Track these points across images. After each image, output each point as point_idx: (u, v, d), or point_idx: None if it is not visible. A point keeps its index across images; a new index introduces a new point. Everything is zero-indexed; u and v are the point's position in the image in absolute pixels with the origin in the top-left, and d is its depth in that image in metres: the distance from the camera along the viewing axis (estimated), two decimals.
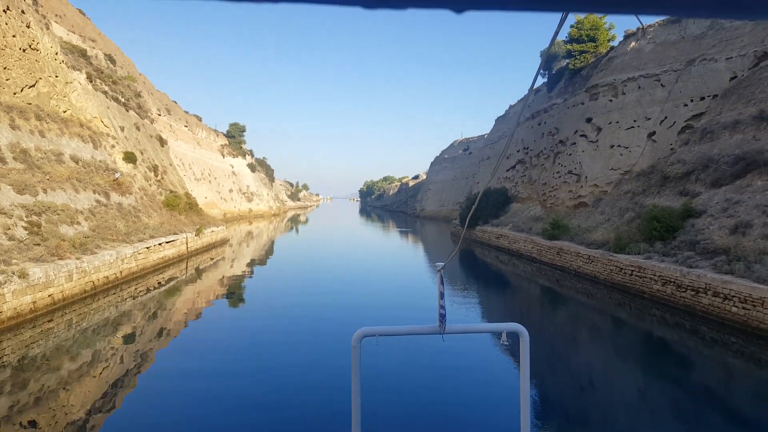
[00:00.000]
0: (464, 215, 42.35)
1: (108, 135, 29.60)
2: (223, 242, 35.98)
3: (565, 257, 24.29)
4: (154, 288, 20.45)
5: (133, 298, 18.46)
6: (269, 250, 39.70)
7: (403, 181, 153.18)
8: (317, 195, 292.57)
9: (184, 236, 27.18)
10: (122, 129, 31.76)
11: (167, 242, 24.47)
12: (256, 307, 19.02)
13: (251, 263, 31.31)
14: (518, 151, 41.75)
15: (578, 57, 35.38)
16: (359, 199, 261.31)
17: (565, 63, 38.77)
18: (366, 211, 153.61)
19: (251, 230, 57.53)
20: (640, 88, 26.87)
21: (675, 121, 24.17)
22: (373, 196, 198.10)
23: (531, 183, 37.12)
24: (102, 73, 33.47)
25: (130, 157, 29.74)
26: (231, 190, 73.15)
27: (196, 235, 29.17)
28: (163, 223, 27.36)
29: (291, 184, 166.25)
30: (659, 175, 22.83)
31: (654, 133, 25.17)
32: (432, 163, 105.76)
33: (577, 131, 30.32)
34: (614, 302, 19.08)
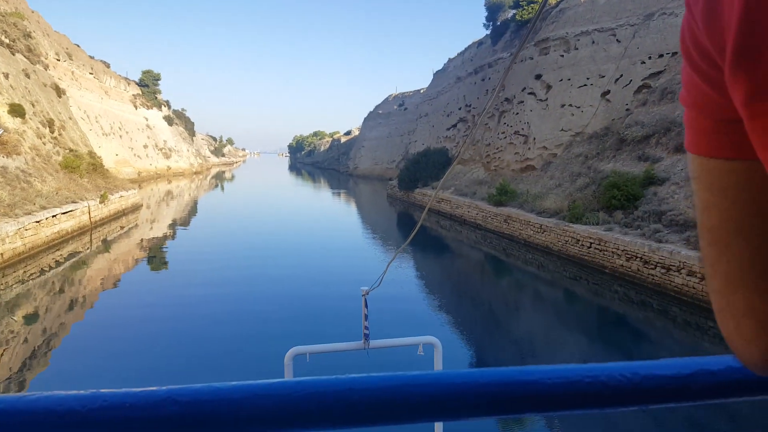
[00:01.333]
0: (404, 177, 40.21)
1: None
2: (136, 208, 31.98)
3: (513, 225, 22.72)
4: (48, 269, 16.96)
5: (21, 283, 15.04)
6: (189, 214, 36.08)
7: (335, 137, 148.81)
8: (243, 150, 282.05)
9: (85, 204, 23.29)
10: (6, 76, 26.72)
11: (64, 213, 20.66)
12: (173, 287, 16.05)
13: (167, 230, 27.92)
14: (459, 109, 39.74)
15: (526, 7, 33.27)
16: (288, 154, 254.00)
17: (511, 14, 36.65)
18: (296, 167, 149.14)
19: (170, 190, 52.86)
20: (594, 43, 25.19)
21: (631, 80, 22.72)
22: (303, 152, 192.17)
23: (474, 144, 35.32)
24: None
25: (17, 110, 25.04)
26: (146, 146, 67.15)
27: (100, 202, 25.25)
28: (60, 189, 23.28)
29: (214, 139, 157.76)
30: (615, 138, 21.42)
31: (608, 92, 23.68)
32: (365, 118, 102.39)
33: (525, 89, 28.50)
34: (569, 276, 17.68)
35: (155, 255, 21.61)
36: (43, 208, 19.16)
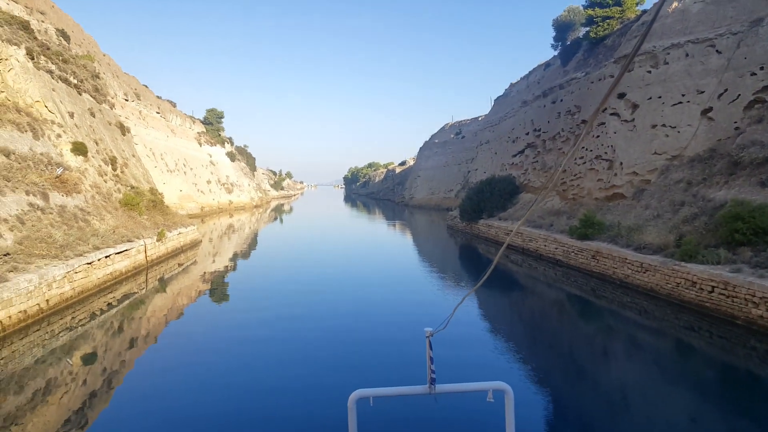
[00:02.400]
0: (466, 207, 37.98)
1: (53, 122, 24.59)
2: (194, 244, 31.21)
3: (604, 263, 20.03)
4: (99, 313, 15.78)
5: (69, 330, 13.82)
6: (249, 248, 35.16)
7: (390, 167, 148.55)
8: (301, 183, 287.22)
9: (141, 243, 22.41)
10: (72, 115, 26.70)
11: (118, 253, 19.70)
12: (229, 328, 14.96)
13: (227, 266, 26.88)
14: (527, 134, 37.33)
15: (601, 24, 30.90)
16: (344, 186, 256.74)
17: (582, 32, 34.33)
18: (351, 198, 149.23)
19: (231, 224, 52.64)
20: (688, 56, 22.51)
21: (739, 95, 19.87)
22: (357, 183, 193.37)
23: (545, 170, 32.78)
24: (48, 49, 28.25)
25: (79, 149, 24.76)
26: (209, 182, 67.98)
27: (158, 240, 24.39)
28: (118, 227, 22.55)
29: (274, 173, 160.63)
30: (725, 161, 18.57)
31: (710, 109, 20.87)
32: (421, 148, 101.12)
33: (605, 109, 25.95)
34: (683, 325, 14.82)
35: (212, 294, 20.44)
36: (96, 248, 18.20)
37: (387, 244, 38.61)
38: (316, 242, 38.89)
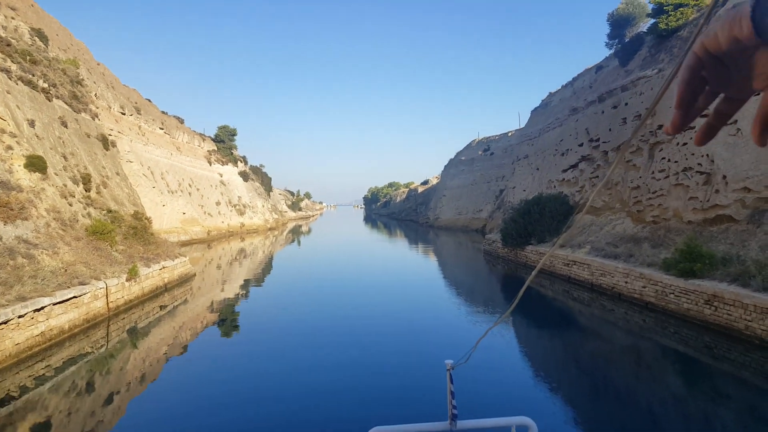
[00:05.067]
0: (510, 231, 32.35)
1: (2, 131, 19.86)
2: (185, 279, 26.06)
3: (727, 311, 14.30)
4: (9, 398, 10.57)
5: None
6: (258, 277, 30.04)
7: (411, 187, 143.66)
8: (321, 203, 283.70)
9: (101, 285, 17.26)
10: (32, 123, 22.01)
11: (59, 303, 14.54)
12: (237, 359, 13.56)
13: (226, 302, 22.05)
14: (581, 145, 31.73)
15: (673, 13, 25.44)
16: (363, 206, 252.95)
17: (645, 26, 28.94)
18: (371, 219, 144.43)
19: (242, 249, 47.54)
20: None
21: None
22: (378, 204, 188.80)
23: (608, 187, 27.12)
24: (9, 46, 23.74)
25: (36, 164, 19.91)
26: (218, 203, 63.37)
27: (128, 279, 19.26)
28: (75, 263, 17.48)
29: (292, 193, 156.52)
30: None
31: None
32: (446, 166, 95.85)
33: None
34: None
35: (205, 336, 16.39)
36: (21, 299, 13.03)
37: (414, 273, 33.10)
38: (336, 268, 34.46)
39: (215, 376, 12.47)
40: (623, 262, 20.36)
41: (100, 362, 13.77)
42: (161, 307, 20.59)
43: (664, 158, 22.12)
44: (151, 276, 21.84)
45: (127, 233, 23.67)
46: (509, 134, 73.66)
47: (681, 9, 25.44)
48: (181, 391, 11.59)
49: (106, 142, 29.86)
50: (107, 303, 17.58)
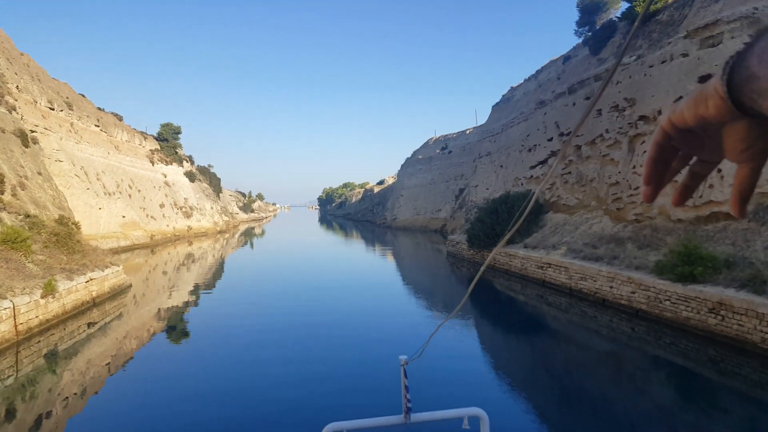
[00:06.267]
0: (477, 232, 30.49)
1: None
2: (119, 291, 22.89)
3: (739, 321, 12.62)
4: None
5: None
6: (206, 283, 27.77)
7: (367, 187, 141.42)
8: (274, 204, 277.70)
9: (6, 305, 14.16)
10: None
11: None
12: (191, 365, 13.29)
13: (169, 312, 19.94)
14: (550, 140, 30.19)
15: None
16: (318, 207, 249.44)
17: (616, 12, 27.64)
18: (326, 220, 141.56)
19: (190, 254, 43.97)
20: None
21: None
22: (333, 204, 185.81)
23: (582, 184, 25.56)
24: None
25: None
26: (162, 205, 59.33)
27: (43, 296, 16.15)
28: None
29: (243, 195, 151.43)
30: None
31: None
32: (403, 165, 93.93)
33: (679, 99, 18.85)
34: None
35: (146, 355, 14.61)
36: None
37: (374, 275, 30.92)
38: (291, 271, 32.67)
39: (157, 386, 11.77)
40: (607, 265, 18.63)
41: (5, 397, 11.01)
42: (89, 325, 17.73)
43: (646, 152, 20.53)
44: (75, 290, 18.70)
45: (48, 241, 20.41)
46: (467, 132, 72.37)
47: None
48: (115, 414, 10.24)
49: (25, 139, 26.21)
50: (15, 325, 14.48)
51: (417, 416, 3.55)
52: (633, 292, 16.70)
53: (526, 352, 15.16)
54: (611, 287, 17.83)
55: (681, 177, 0.82)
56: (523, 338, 16.85)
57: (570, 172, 26.70)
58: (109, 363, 13.78)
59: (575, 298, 19.87)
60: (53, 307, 16.90)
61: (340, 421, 3.45)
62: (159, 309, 21.09)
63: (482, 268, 2.14)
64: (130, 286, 24.58)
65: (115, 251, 41.26)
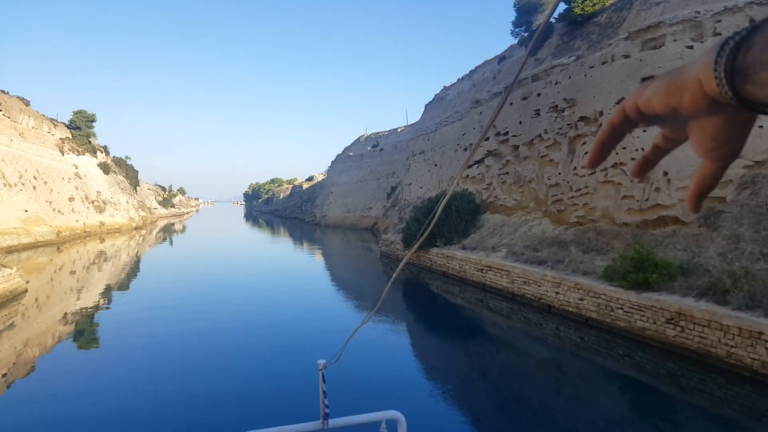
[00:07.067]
0: (412, 231, 29.51)
1: None
2: (12, 296, 20.04)
3: (698, 334, 12.17)
4: None
5: None
6: (115, 284, 25.58)
7: (296, 183, 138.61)
8: (196, 199, 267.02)
9: None
10: None
11: None
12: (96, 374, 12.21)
13: (68, 327, 17.39)
14: (486, 139, 29.74)
15: None
16: (244, 202, 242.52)
17: (560, 9, 27.41)
18: (252, 216, 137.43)
19: (99, 253, 40.19)
20: (753, 20, 15.62)
21: None
22: (260, 200, 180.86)
23: (520, 185, 25.11)
24: None
25: None
26: (72, 199, 54.49)
27: None
28: None
29: (163, 189, 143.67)
30: None
31: None
32: (333, 161, 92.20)
33: (622, 99, 18.60)
34: None
35: (43, 370, 12.93)
36: None
37: (301, 276, 29.39)
38: (210, 271, 31.04)
39: (49, 408, 10.24)
40: (551, 270, 18.06)
41: None
42: None
43: (588, 153, 20.29)
44: None
45: None
46: (399, 130, 71.81)
47: None
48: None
49: None
50: None
51: (334, 421, 3.55)
52: (581, 299, 16.15)
53: (459, 357, 14.70)
54: (557, 293, 17.24)
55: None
56: (458, 343, 16.35)
57: (507, 173, 26.25)
58: None
59: (518, 303, 19.22)
60: None
61: (257, 429, 3.39)
62: (60, 317, 18.64)
63: (400, 266, 2.15)
64: (25, 291, 21.60)
65: (15, 249, 37.23)
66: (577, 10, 24.24)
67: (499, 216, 25.96)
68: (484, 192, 27.96)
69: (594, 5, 23.83)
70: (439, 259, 26.80)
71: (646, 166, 0.75)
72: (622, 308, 14.45)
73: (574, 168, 21.04)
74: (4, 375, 12.24)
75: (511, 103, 27.54)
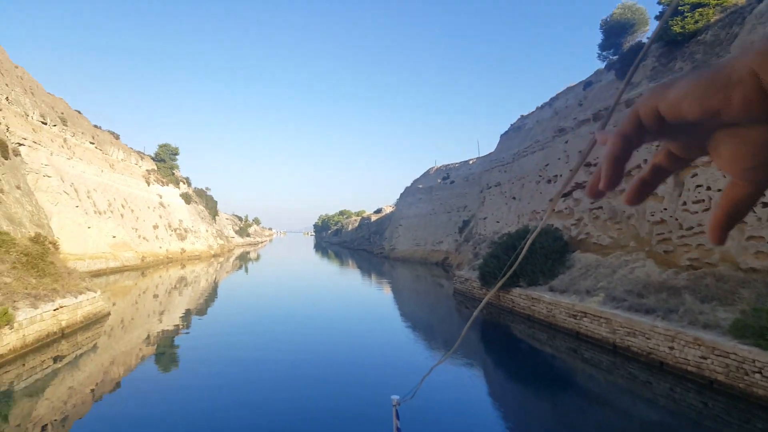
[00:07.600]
0: (492, 269, 27.75)
1: None
2: (95, 319, 20.18)
3: None
4: None
5: None
6: (193, 314, 25.50)
7: (364, 215, 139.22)
8: (270, 229, 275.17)
9: None
10: None
11: None
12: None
13: (148, 344, 17.83)
14: (572, 170, 27.83)
15: (690, 14, 22.04)
16: (314, 233, 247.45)
17: (641, 36, 25.67)
18: (321, 246, 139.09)
19: (181, 278, 41.07)
20: None
21: None
22: (329, 231, 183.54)
23: (616, 221, 23.02)
24: None
25: None
26: (156, 226, 56.59)
27: None
28: None
29: (240, 218, 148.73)
30: None
31: None
32: (402, 194, 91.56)
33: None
34: None
35: (123, 395, 12.89)
36: None
37: (373, 310, 28.30)
38: (286, 299, 31.29)
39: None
40: (662, 320, 15.94)
41: None
42: (56, 359, 15.39)
43: (700, 186, 18.10)
44: (39, 319, 15.99)
45: (16, 262, 17.67)
46: (470, 161, 70.28)
47: (700, 9, 22.05)
48: None
49: (5, 150, 23.64)
50: None
51: None
52: (704, 357, 13.97)
53: (545, 410, 13.23)
54: (671, 348, 15.09)
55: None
56: (545, 395, 14.62)
57: (601, 207, 24.22)
58: (75, 404, 11.76)
59: (621, 356, 17.08)
60: (9, 341, 14.20)
61: None
62: (140, 341, 18.70)
63: (481, 305, 1.98)
64: (108, 314, 21.79)
65: (103, 273, 38.72)
66: (676, 29, 22.29)
67: (591, 255, 23.87)
68: (573, 228, 25.96)
69: (696, 22, 21.84)
70: (522, 301, 24.89)
71: (643, 190, 0.62)
72: (760, 372, 12.23)
73: (684, 202, 18.86)
74: (83, 396, 11.83)
75: (615, 126, 25.61)
